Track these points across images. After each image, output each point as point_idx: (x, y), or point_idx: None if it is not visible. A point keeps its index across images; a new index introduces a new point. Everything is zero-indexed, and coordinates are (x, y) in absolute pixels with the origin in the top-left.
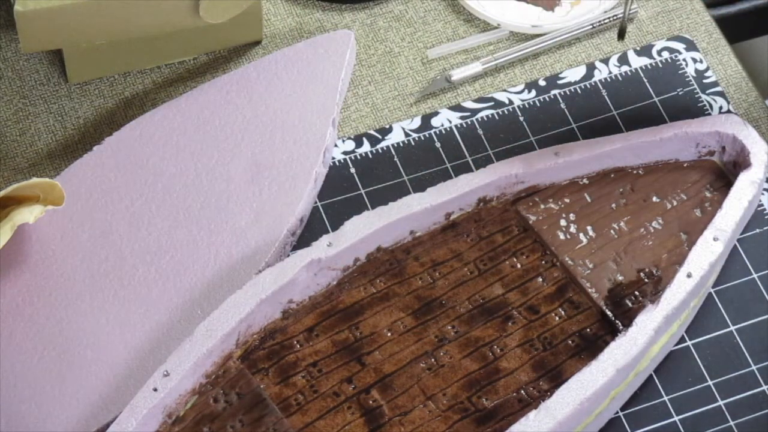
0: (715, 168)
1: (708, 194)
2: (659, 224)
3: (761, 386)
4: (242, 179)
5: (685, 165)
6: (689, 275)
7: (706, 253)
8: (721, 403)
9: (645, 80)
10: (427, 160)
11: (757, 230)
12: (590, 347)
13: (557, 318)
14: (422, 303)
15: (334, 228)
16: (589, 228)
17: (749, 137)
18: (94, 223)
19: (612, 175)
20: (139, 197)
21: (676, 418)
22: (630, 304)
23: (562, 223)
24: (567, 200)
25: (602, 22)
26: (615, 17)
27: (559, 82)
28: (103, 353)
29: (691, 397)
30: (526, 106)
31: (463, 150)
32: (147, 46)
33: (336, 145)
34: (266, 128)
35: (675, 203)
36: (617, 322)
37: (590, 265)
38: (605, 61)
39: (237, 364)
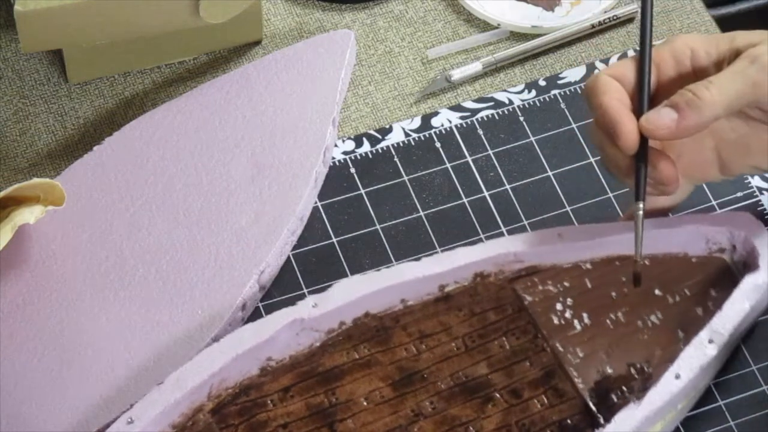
0: (724, 266)
1: (713, 293)
2: (657, 319)
3: (761, 386)
4: (242, 179)
5: (693, 260)
6: (677, 376)
7: (699, 354)
8: (721, 403)
9: None
10: (427, 160)
11: None
12: None
13: (539, 405)
14: (404, 374)
15: (334, 227)
16: (584, 315)
17: (761, 238)
18: (94, 223)
19: (617, 263)
20: (139, 197)
21: None
22: (615, 399)
23: (558, 307)
24: (567, 284)
25: (602, 22)
26: (615, 17)
27: (559, 82)
28: (103, 353)
29: None
30: (526, 106)
31: (463, 150)
32: (147, 46)
33: (336, 145)
34: (266, 128)
35: (677, 298)
36: (599, 416)
37: (580, 354)
38: (605, 61)
39: (207, 417)
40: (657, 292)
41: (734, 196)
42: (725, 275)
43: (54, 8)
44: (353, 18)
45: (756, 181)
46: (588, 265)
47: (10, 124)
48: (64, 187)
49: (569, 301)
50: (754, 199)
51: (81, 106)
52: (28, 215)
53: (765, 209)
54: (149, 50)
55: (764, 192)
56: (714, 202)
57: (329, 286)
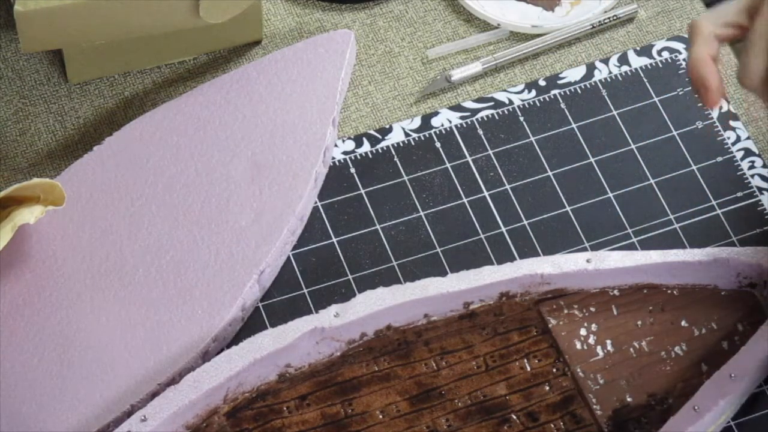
0: (754, 302)
1: (740, 328)
2: (682, 350)
3: (761, 386)
4: (242, 179)
5: (722, 293)
6: (696, 409)
7: (719, 389)
8: None
9: (645, 80)
10: (427, 160)
11: (758, 230)
12: None
13: (555, 430)
14: (422, 390)
15: (334, 227)
16: (608, 342)
17: None
18: (94, 223)
19: (645, 291)
20: (139, 197)
21: None
22: (632, 429)
23: (582, 332)
24: (593, 309)
25: (602, 22)
26: (615, 17)
27: (559, 82)
28: (103, 353)
29: None
30: (526, 106)
31: (463, 150)
32: (147, 46)
33: (336, 145)
34: (266, 128)
35: (703, 331)
36: None
37: (601, 381)
38: (605, 61)
39: (221, 420)
40: (683, 323)
41: (734, 195)
42: (754, 310)
43: (54, 8)
44: (353, 18)
45: (756, 181)
46: (615, 292)
47: (10, 124)
48: (64, 187)
49: (594, 326)
50: (754, 199)
51: (81, 106)
52: (28, 215)
53: (765, 209)
54: (149, 50)
55: (764, 192)
56: (714, 202)
57: (332, 286)
